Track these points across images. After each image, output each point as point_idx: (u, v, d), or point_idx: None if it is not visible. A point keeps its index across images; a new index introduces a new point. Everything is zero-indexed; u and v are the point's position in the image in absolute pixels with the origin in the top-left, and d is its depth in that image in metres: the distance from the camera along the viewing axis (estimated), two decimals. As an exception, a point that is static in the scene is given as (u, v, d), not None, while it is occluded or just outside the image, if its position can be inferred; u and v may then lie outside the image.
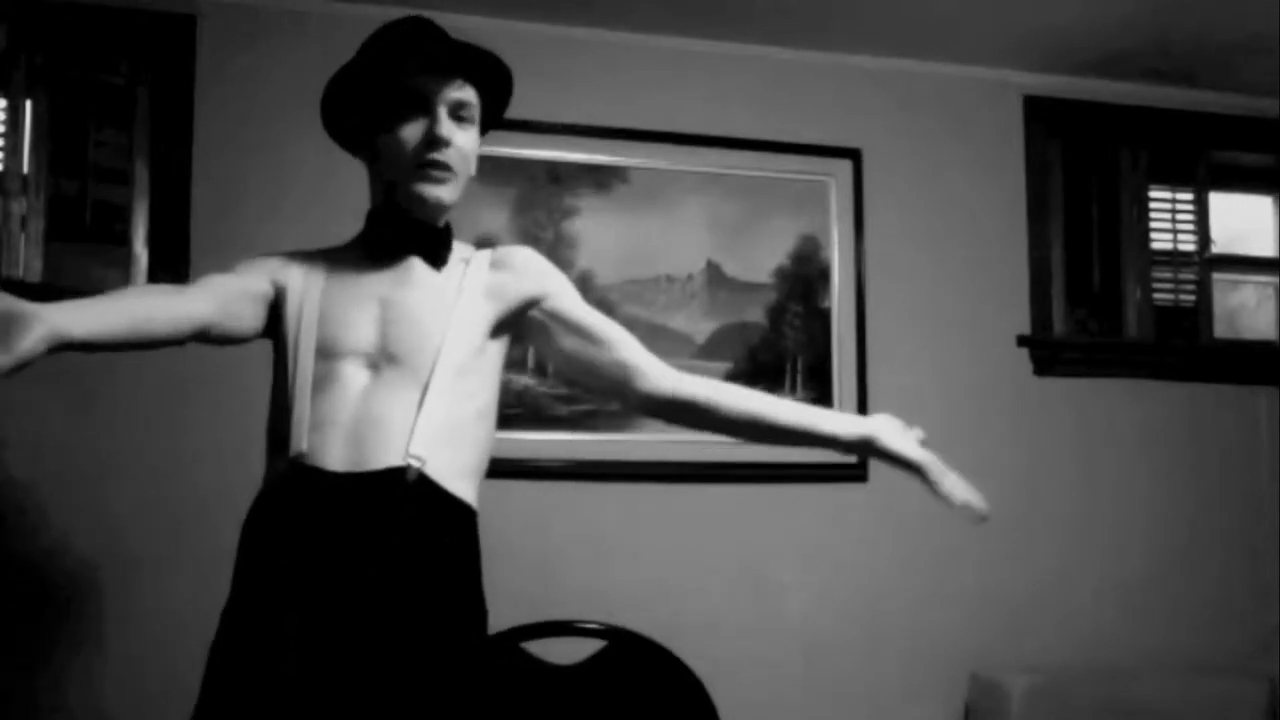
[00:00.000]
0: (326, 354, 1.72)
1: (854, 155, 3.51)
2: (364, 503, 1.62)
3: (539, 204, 3.31)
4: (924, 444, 1.85)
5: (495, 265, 1.86)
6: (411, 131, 1.77)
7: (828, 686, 3.34)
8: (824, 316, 3.47)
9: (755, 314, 3.43)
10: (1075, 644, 3.49)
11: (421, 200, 1.79)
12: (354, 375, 1.70)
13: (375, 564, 1.60)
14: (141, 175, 3.11)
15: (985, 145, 3.65)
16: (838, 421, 1.91)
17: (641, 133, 3.38)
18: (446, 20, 3.25)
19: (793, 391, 3.42)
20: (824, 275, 3.48)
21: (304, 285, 1.79)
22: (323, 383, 1.70)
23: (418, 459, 1.65)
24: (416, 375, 1.70)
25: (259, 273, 1.80)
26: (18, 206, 3.01)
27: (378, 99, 1.80)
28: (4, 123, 3.04)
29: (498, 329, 1.83)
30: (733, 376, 3.37)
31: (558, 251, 3.31)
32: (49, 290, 3.01)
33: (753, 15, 3.33)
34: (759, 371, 3.40)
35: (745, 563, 3.33)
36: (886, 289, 3.52)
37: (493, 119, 1.94)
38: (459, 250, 1.88)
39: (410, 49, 1.79)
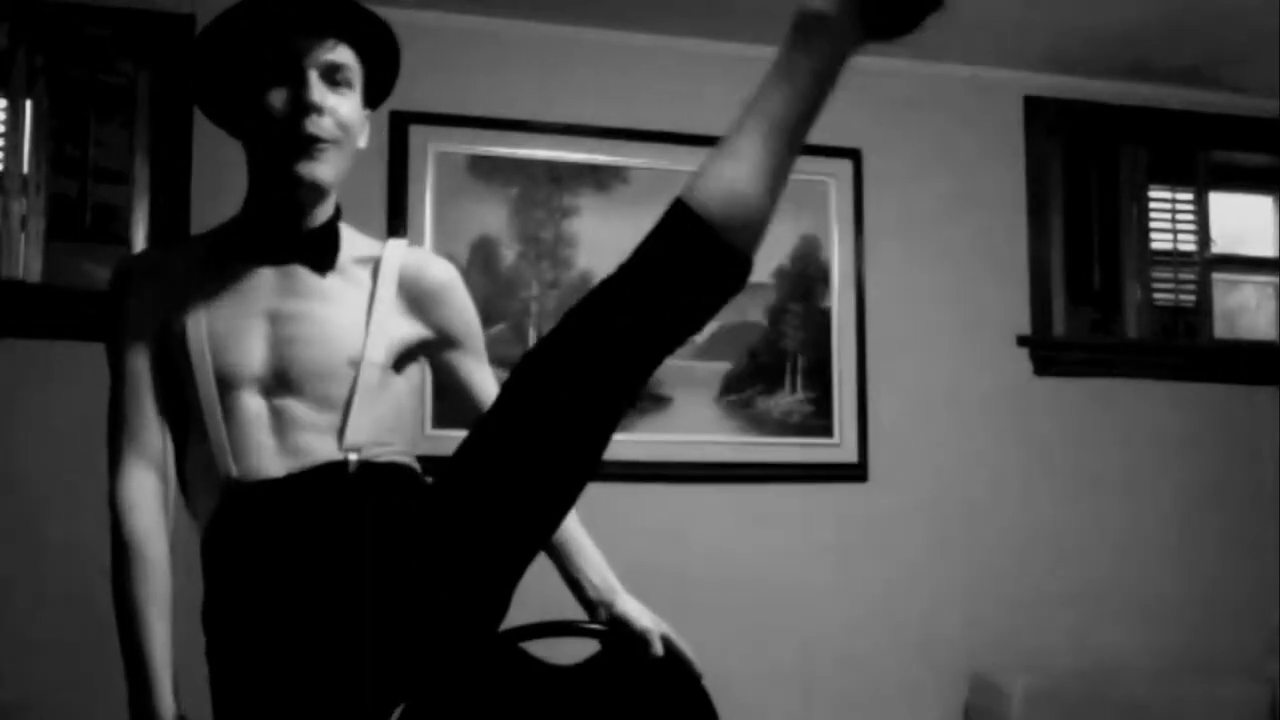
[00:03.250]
0: (224, 384, 1.56)
1: (854, 155, 3.51)
2: (317, 497, 1.54)
3: (539, 204, 3.31)
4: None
5: (410, 280, 1.67)
6: (278, 99, 1.54)
7: (828, 687, 3.34)
8: (824, 316, 3.47)
9: (755, 314, 3.43)
10: (1075, 644, 3.49)
11: (296, 180, 1.56)
12: (254, 407, 1.56)
13: (356, 554, 1.50)
14: (141, 175, 3.11)
15: (985, 145, 3.65)
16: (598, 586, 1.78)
17: (641, 133, 3.38)
18: (447, 19, 3.28)
19: (793, 391, 3.42)
20: (824, 275, 3.48)
21: (187, 302, 1.59)
22: (228, 416, 1.56)
23: (355, 449, 1.56)
24: (319, 404, 1.57)
25: (145, 334, 1.61)
26: (18, 206, 3.01)
27: (240, 67, 1.58)
28: (4, 123, 3.04)
29: (404, 357, 1.67)
30: (733, 376, 3.38)
31: (558, 251, 3.31)
32: (49, 290, 3.01)
33: (753, 15, 3.32)
34: (759, 371, 3.40)
35: (745, 562, 3.33)
36: (886, 289, 3.52)
37: (381, 89, 1.70)
38: (355, 245, 1.67)
39: (269, 7, 1.56)
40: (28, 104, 3.04)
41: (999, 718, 3.24)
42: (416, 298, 1.67)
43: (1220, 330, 3.86)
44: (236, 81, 1.59)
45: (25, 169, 3.03)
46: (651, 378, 1.54)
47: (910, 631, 3.41)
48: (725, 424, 3.36)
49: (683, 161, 3.40)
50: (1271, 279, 3.99)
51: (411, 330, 1.67)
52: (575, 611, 1.75)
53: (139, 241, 3.09)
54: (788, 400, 3.42)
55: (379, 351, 1.61)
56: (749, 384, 3.40)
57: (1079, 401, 3.62)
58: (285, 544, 1.53)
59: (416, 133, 3.21)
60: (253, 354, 1.57)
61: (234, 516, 1.56)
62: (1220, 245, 3.88)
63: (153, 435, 1.61)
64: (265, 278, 1.61)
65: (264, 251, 1.61)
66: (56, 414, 2.94)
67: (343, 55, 1.59)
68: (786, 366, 3.44)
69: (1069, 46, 3.51)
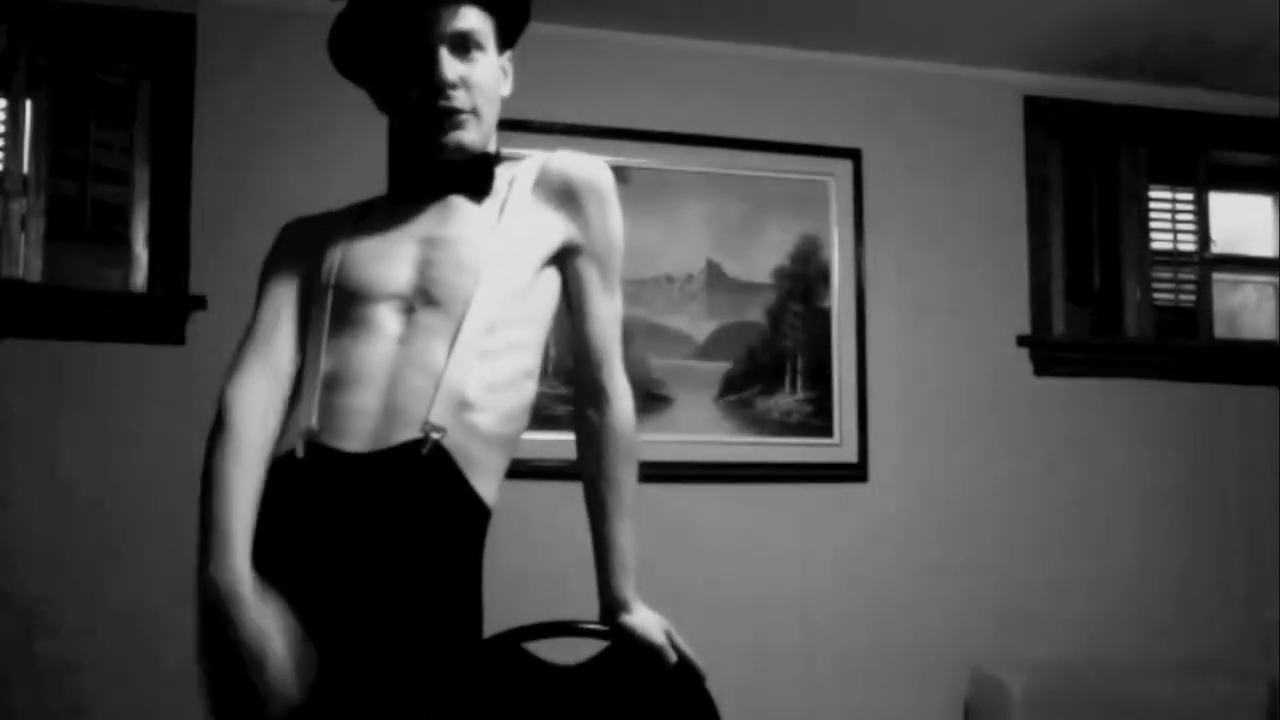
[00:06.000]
0: (356, 298, 1.55)
1: (854, 155, 3.51)
2: (373, 490, 1.48)
3: (539, 204, 3.31)
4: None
5: (551, 177, 1.67)
6: (412, 79, 1.58)
7: (829, 685, 3.34)
8: (824, 316, 3.47)
9: (755, 314, 3.43)
10: (1075, 642, 3.49)
11: (443, 150, 1.60)
12: (387, 321, 1.54)
13: (378, 557, 1.48)
14: (141, 175, 3.11)
15: (985, 146, 3.65)
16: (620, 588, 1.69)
17: (641, 133, 3.38)
18: (446, 20, 3.28)
19: (793, 391, 3.42)
20: (824, 275, 3.48)
21: (331, 239, 1.63)
22: (352, 329, 1.55)
23: (437, 430, 1.48)
24: (456, 319, 1.53)
25: (297, 265, 1.63)
26: (18, 206, 3.01)
27: (374, 45, 1.62)
28: (4, 123, 3.04)
29: (553, 257, 1.63)
30: (733, 376, 3.38)
31: (558, 251, 3.31)
32: (49, 290, 3.01)
33: (753, 15, 3.33)
34: (759, 371, 3.40)
35: (746, 562, 3.33)
36: (886, 289, 3.52)
37: (516, 26, 1.71)
38: (506, 171, 1.67)
39: None
40: (28, 104, 3.04)
41: (999, 716, 3.24)
42: (559, 191, 1.67)
43: (1220, 330, 3.86)
44: (372, 64, 1.64)
45: (25, 169, 3.03)
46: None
47: (910, 630, 3.41)
48: (725, 424, 3.36)
49: (683, 161, 3.41)
50: (1271, 279, 3.99)
51: (544, 227, 1.64)
52: (574, 612, 1.76)
53: (139, 241, 3.09)
54: (787, 400, 3.42)
55: (505, 267, 1.58)
56: (749, 384, 3.40)
57: (1079, 401, 3.62)
58: (306, 523, 1.50)
59: (416, 133, 3.21)
60: (395, 269, 1.57)
61: (288, 483, 1.51)
62: (1220, 245, 3.88)
63: (283, 347, 1.59)
64: (419, 208, 1.62)
65: (420, 190, 1.63)
66: (56, 414, 2.94)
67: (468, 19, 1.61)
68: (786, 366, 3.44)
69: (1069, 46, 3.51)
